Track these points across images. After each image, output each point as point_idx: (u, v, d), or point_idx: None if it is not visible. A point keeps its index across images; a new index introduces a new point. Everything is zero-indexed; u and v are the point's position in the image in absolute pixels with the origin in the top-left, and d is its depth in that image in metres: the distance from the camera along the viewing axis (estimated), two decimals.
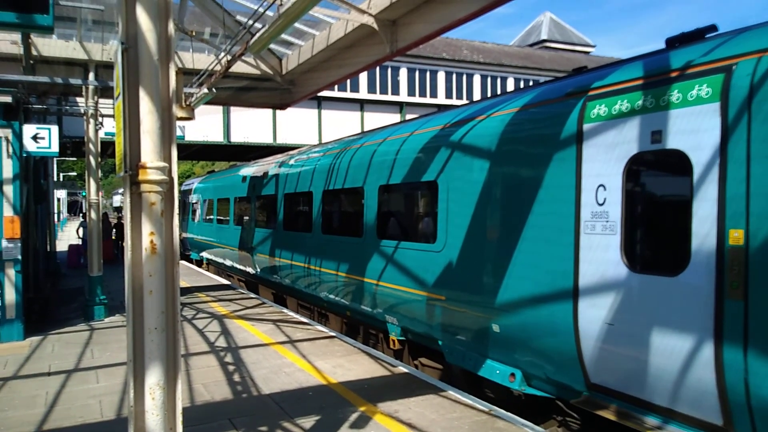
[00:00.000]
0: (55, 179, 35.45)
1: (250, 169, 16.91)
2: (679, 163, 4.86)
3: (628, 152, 5.26)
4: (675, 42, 5.60)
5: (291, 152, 14.90)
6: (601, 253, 5.40)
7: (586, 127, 5.64)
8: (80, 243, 23.27)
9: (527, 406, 6.92)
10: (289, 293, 14.00)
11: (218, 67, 9.55)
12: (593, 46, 47.34)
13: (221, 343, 9.73)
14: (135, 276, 3.75)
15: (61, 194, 53.95)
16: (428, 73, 31.43)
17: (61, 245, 33.58)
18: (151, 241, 3.68)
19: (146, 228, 3.68)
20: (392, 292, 8.62)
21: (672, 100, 4.96)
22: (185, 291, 15.56)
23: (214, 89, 9.37)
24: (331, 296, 10.85)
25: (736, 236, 4.44)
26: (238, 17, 10.51)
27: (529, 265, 6.18)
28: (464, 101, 31.01)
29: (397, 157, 8.83)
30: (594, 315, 5.45)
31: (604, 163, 5.48)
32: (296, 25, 10.13)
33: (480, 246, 6.92)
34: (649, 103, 5.15)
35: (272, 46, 11.43)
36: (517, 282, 6.33)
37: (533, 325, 6.12)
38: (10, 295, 10.00)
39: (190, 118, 4.27)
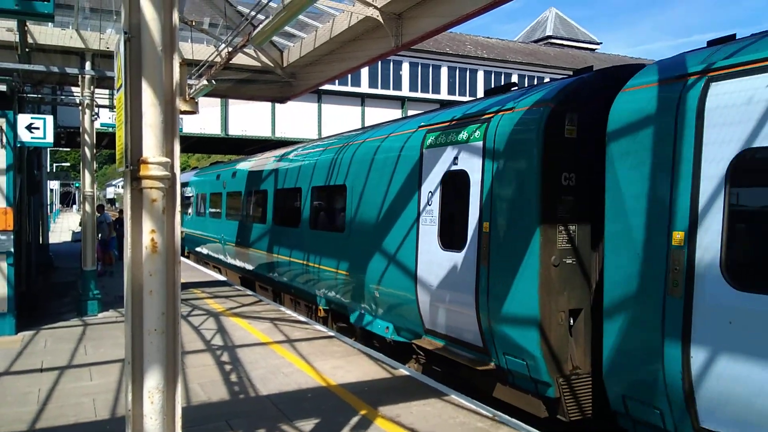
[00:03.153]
0: (49, 170, 35.14)
1: (224, 168, 19.01)
2: (464, 179, 7.23)
3: (442, 169, 7.67)
4: (490, 92, 8.08)
5: (257, 155, 16.98)
6: (429, 238, 7.85)
7: (425, 151, 8.09)
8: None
9: (400, 352, 9.12)
10: (252, 276, 15.86)
11: (218, 59, 9.37)
12: (599, 43, 47.08)
13: (218, 341, 9.56)
14: (135, 275, 3.60)
15: (54, 185, 53.56)
16: (431, 68, 31.21)
17: (54, 237, 33.35)
18: (152, 239, 3.53)
19: (147, 225, 3.53)
20: (318, 271, 11.02)
21: (464, 137, 7.32)
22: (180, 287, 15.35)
23: (213, 81, 9.18)
24: (282, 278, 13.09)
25: (485, 226, 6.81)
26: (240, 7, 10.31)
27: (394, 247, 8.58)
28: (467, 98, 30.84)
29: (320, 164, 11.39)
30: (423, 280, 7.90)
31: (431, 176, 7.89)
32: (299, 16, 9.95)
33: (367, 233, 9.38)
34: (453, 137, 7.52)
35: (274, 38, 11.23)
36: (387, 260, 8.74)
37: (396, 289, 8.55)
38: (2, 289, 9.79)
39: (194, 111, 4.10)
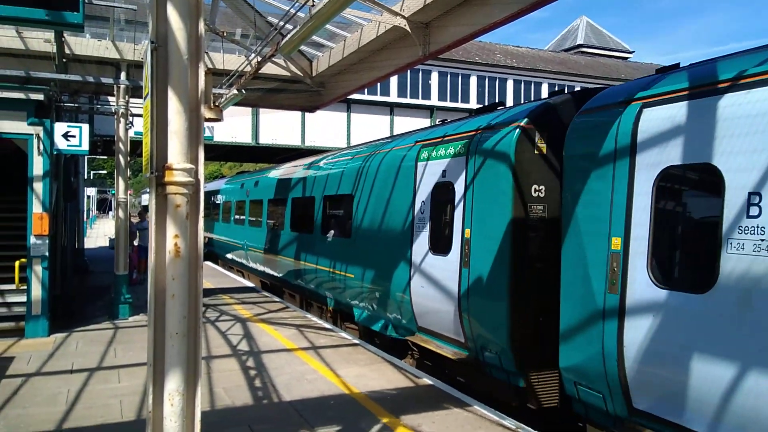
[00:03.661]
0: (86, 177, 36.01)
1: (248, 178, 20.31)
2: (450, 189, 8.04)
3: (432, 181, 8.48)
4: (478, 111, 8.86)
5: (278, 166, 18.11)
6: (421, 243, 8.63)
7: (419, 164, 8.96)
8: (132, 251, 16.81)
9: (397, 350, 9.81)
10: (270, 280, 16.91)
11: (248, 68, 9.52)
12: (631, 52, 45.98)
13: (243, 346, 9.65)
14: (158, 279, 3.65)
15: (91, 192, 54.84)
16: (460, 77, 31.02)
17: (90, 242, 34.12)
18: (175, 244, 3.58)
19: (170, 230, 3.59)
20: (328, 274, 11.90)
21: (450, 153, 8.14)
22: (208, 292, 15.59)
23: (243, 90, 9.32)
24: (296, 281, 14.06)
25: (467, 232, 7.58)
26: (270, 18, 10.46)
27: (392, 252, 9.36)
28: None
29: (330, 176, 12.46)
30: (416, 282, 8.66)
31: (423, 187, 8.71)
32: (327, 26, 10.05)
33: (369, 239, 10.29)
34: (443, 152, 8.34)
35: (302, 47, 11.36)
36: (386, 263, 9.50)
37: (393, 290, 9.27)
38: (37, 292, 10.06)
39: (218, 119, 4.17)
